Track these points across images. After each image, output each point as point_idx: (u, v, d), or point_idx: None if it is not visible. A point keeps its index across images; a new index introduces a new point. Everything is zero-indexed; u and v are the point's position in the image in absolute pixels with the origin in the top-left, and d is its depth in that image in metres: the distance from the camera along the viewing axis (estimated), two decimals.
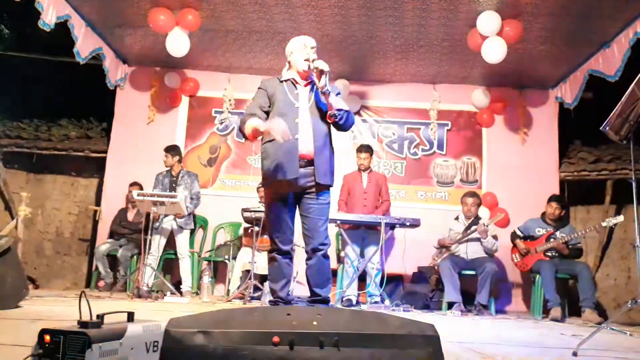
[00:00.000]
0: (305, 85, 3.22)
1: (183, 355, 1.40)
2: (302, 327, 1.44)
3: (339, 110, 3.04)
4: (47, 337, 1.52)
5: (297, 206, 3.19)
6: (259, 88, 3.28)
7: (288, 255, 3.18)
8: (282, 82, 3.22)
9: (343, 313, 1.61)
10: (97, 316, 1.62)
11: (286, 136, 2.88)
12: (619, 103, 2.66)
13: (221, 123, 6.75)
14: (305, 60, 3.11)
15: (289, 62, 3.26)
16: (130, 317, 1.77)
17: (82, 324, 1.58)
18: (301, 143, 3.05)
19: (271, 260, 3.21)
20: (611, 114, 2.69)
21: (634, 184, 2.84)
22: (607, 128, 2.72)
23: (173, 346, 1.42)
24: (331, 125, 3.18)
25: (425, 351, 1.45)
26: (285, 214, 3.14)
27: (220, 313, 1.56)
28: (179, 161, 5.69)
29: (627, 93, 2.63)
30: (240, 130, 3.17)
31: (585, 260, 5.88)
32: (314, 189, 3.10)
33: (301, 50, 3.16)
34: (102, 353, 1.52)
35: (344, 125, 3.11)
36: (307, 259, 3.17)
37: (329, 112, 3.07)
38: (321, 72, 2.98)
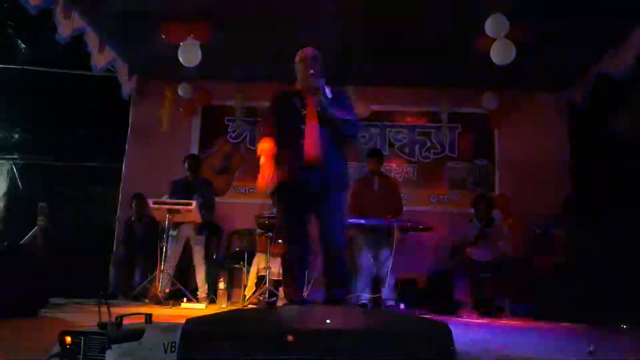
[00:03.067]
0: (311, 95, 3.23)
1: (200, 353, 1.44)
2: (316, 325, 1.48)
3: (343, 120, 3.13)
4: (68, 338, 1.57)
5: (311, 210, 3.22)
6: (271, 103, 3.39)
7: (300, 259, 3.18)
8: (290, 92, 3.30)
9: (356, 312, 1.64)
10: (116, 318, 1.67)
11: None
12: (629, 102, 2.66)
13: (234, 132, 6.83)
14: (301, 76, 3.22)
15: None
16: (148, 319, 1.82)
17: (102, 325, 1.63)
18: (307, 150, 3.08)
19: (284, 263, 3.25)
20: (619, 113, 2.69)
21: None
22: (618, 127, 2.72)
23: (190, 345, 1.46)
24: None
25: (437, 349, 1.48)
26: (297, 218, 3.17)
27: (236, 313, 1.60)
28: (199, 168, 5.76)
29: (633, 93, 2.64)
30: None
31: None
32: (324, 193, 3.14)
33: (298, 64, 3.28)
34: (121, 353, 1.56)
35: (346, 134, 3.21)
36: (323, 261, 3.18)
37: (335, 123, 3.14)
38: (313, 93, 3.09)
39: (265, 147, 3.08)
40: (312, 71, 3.14)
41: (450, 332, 1.49)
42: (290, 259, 3.19)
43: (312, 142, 3.09)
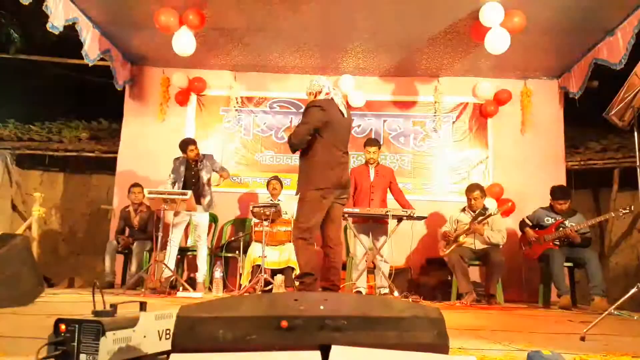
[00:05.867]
0: None
1: (194, 340, 1.45)
2: (309, 311, 1.49)
3: None
4: (63, 326, 1.57)
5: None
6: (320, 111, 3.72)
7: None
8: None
9: (349, 297, 1.65)
10: (111, 305, 1.68)
11: None
12: (621, 89, 2.67)
13: (228, 121, 6.81)
14: None
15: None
16: (143, 306, 1.83)
17: (96, 313, 1.64)
18: None
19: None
20: (613, 100, 2.71)
21: (638, 171, 2.85)
22: (611, 114, 2.74)
23: (184, 332, 1.47)
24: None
25: (430, 333, 1.49)
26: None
27: (230, 300, 1.61)
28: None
29: (629, 79, 2.65)
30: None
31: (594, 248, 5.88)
32: None
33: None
34: (115, 340, 1.57)
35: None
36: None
37: None
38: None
39: None
40: None
41: (442, 316, 1.51)
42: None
43: None
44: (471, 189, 5.51)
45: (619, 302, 2.67)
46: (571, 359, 1.89)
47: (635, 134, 2.81)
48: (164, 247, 5.32)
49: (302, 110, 3.88)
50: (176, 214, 5.29)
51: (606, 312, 2.67)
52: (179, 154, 5.66)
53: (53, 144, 7.24)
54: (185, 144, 5.63)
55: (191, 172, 5.60)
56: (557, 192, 5.34)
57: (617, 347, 2.26)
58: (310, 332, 1.45)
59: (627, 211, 4.67)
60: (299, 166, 3.81)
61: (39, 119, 7.67)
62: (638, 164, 2.86)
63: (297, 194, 3.75)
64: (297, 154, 3.86)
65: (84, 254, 7.32)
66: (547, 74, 6.61)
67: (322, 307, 1.50)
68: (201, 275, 5.53)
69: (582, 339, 2.51)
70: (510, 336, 2.67)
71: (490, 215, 5.24)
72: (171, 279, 5.29)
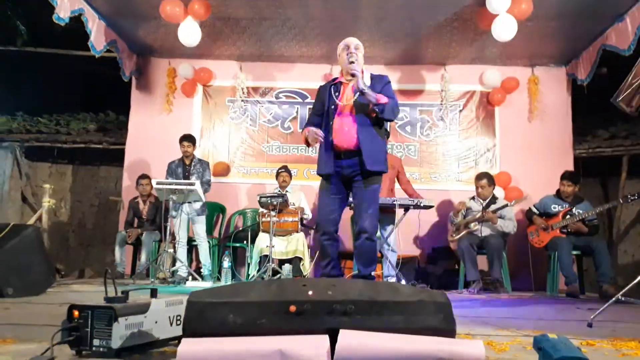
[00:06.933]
0: (351, 83, 3.39)
1: (205, 325, 1.47)
2: (317, 296, 1.51)
3: (377, 105, 3.22)
4: (76, 313, 1.61)
5: (348, 192, 3.43)
6: (317, 93, 3.59)
7: (330, 236, 3.34)
8: (332, 84, 3.49)
9: (357, 283, 1.67)
10: (122, 292, 1.71)
11: (315, 141, 3.29)
12: (629, 74, 2.65)
13: (235, 112, 6.83)
14: (347, 61, 3.32)
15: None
16: (154, 293, 1.86)
17: (109, 299, 1.67)
18: (341, 140, 3.30)
19: (317, 242, 3.45)
20: (621, 86, 2.69)
21: None
22: (618, 100, 2.72)
23: (195, 317, 1.49)
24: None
25: (437, 317, 1.51)
26: (328, 199, 3.37)
27: (239, 286, 1.63)
28: (194, 150, 5.83)
29: (637, 64, 2.63)
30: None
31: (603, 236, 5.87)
32: (361, 177, 3.31)
33: (341, 53, 3.42)
34: (127, 326, 1.61)
35: (385, 116, 3.28)
36: (354, 240, 3.42)
37: (369, 108, 3.27)
38: (352, 75, 3.25)
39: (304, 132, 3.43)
40: (353, 59, 3.29)
41: (448, 300, 1.52)
42: (320, 235, 3.39)
43: (351, 131, 3.28)
44: (479, 177, 5.54)
45: (626, 289, 2.67)
46: (578, 344, 1.90)
47: None
48: (172, 237, 5.38)
49: (308, 99, 3.90)
50: (176, 207, 5.38)
51: (613, 299, 2.68)
52: None
53: (61, 136, 7.29)
54: (181, 139, 5.74)
55: (185, 172, 5.68)
56: (565, 173, 5.38)
57: (624, 333, 2.27)
58: (319, 316, 1.48)
59: (636, 197, 4.65)
60: (374, 145, 3.32)
61: (46, 111, 7.72)
62: None
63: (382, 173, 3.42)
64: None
65: (94, 245, 7.39)
66: (555, 61, 6.55)
67: (330, 292, 1.52)
68: (206, 269, 5.60)
69: (590, 325, 2.53)
70: (517, 322, 2.69)
71: (506, 205, 5.27)
72: (179, 272, 5.36)
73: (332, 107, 3.36)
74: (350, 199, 3.47)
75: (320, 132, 3.25)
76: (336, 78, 3.55)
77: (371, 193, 3.31)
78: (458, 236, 5.35)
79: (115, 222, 6.69)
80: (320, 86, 3.61)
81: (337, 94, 3.40)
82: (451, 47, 6.20)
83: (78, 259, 7.22)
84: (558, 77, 6.61)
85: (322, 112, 3.44)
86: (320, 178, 3.47)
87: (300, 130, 3.61)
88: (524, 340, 1.99)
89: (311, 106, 3.56)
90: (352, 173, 3.31)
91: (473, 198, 5.59)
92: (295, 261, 5.46)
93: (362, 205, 3.28)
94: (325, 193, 3.38)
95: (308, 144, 3.43)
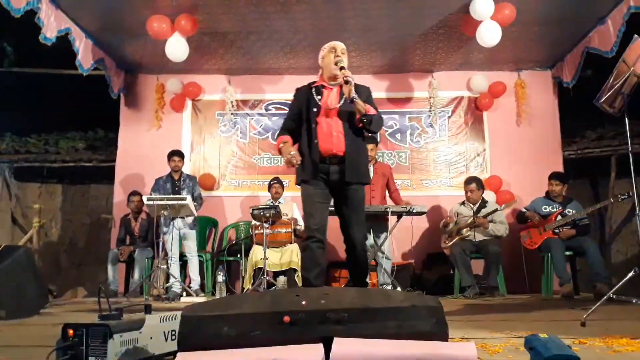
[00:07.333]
0: (336, 87, 3.30)
1: (199, 338, 1.48)
2: (311, 305, 1.51)
3: (365, 115, 3.13)
4: (71, 331, 1.60)
5: (333, 199, 3.29)
6: (293, 97, 3.44)
7: (322, 244, 3.17)
8: (312, 87, 3.34)
9: (349, 291, 1.68)
10: (117, 309, 1.71)
11: (290, 165, 3.11)
12: (610, 76, 2.70)
13: (224, 125, 6.84)
14: (335, 64, 3.23)
15: (321, 68, 3.40)
16: (148, 309, 1.86)
17: (103, 316, 1.67)
18: (327, 143, 3.17)
19: (304, 248, 3.20)
20: (603, 88, 2.74)
21: (630, 156, 2.89)
22: (601, 101, 2.77)
23: (190, 331, 1.50)
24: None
25: (429, 322, 1.52)
26: (318, 205, 3.20)
27: (233, 298, 1.64)
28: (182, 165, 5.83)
29: (617, 66, 2.68)
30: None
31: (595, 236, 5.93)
32: (348, 184, 3.19)
33: (330, 53, 3.30)
34: (123, 342, 1.60)
35: (372, 128, 3.21)
36: (345, 250, 3.26)
37: (357, 118, 3.17)
38: (346, 82, 3.10)
39: (281, 141, 3.24)
40: (344, 64, 3.19)
41: (440, 305, 1.53)
42: (310, 242, 3.17)
43: (336, 138, 3.17)
44: (467, 181, 5.62)
45: (617, 287, 2.70)
46: (570, 343, 1.92)
47: (627, 120, 2.84)
48: (165, 253, 5.37)
49: None
50: (167, 223, 5.38)
51: (605, 298, 2.70)
52: None
53: (50, 155, 7.26)
54: (171, 154, 5.76)
55: (174, 188, 5.68)
56: (553, 173, 5.48)
57: (617, 331, 2.28)
58: (312, 325, 1.48)
59: (626, 197, 4.71)
60: (359, 155, 3.29)
61: (35, 131, 7.69)
62: (630, 149, 2.90)
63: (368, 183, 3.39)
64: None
65: (86, 264, 7.33)
66: (541, 65, 6.64)
67: (323, 302, 1.53)
68: (195, 284, 5.55)
69: (583, 324, 2.55)
70: (512, 325, 2.70)
71: (496, 210, 5.32)
72: (173, 288, 5.34)
73: (315, 109, 3.23)
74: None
75: (299, 158, 3.12)
76: (315, 82, 3.39)
77: (361, 202, 3.24)
78: (450, 243, 5.38)
79: (107, 240, 6.65)
80: (298, 89, 3.45)
81: (319, 97, 3.27)
82: (438, 54, 6.28)
83: (70, 278, 7.16)
84: (544, 81, 6.69)
85: (298, 117, 3.31)
86: (303, 183, 3.28)
87: (276, 136, 3.43)
88: (517, 342, 2.00)
89: None
90: (339, 179, 3.19)
91: (463, 203, 5.63)
92: (290, 273, 5.44)
93: (352, 214, 3.20)
94: (314, 199, 3.20)
95: (281, 152, 3.25)
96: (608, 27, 5.16)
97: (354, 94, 3.07)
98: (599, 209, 6.26)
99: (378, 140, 6.32)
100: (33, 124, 7.66)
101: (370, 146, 5.50)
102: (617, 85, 2.66)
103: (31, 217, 6.51)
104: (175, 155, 5.75)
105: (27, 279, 3.79)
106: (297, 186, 3.36)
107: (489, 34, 5.09)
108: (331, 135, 3.18)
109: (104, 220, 7.02)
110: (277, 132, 3.38)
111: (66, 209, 7.51)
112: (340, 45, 3.31)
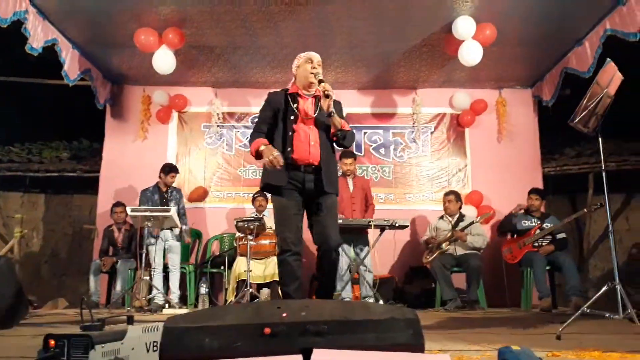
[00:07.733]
0: (311, 97, 3.29)
1: (181, 349, 1.50)
2: (291, 318, 1.55)
3: (340, 130, 3.15)
4: (52, 342, 1.61)
5: (305, 209, 3.24)
6: (265, 101, 3.35)
7: (299, 256, 3.13)
8: (287, 94, 3.29)
9: (329, 303, 1.72)
10: (98, 320, 1.73)
11: (272, 168, 3.00)
12: (584, 97, 2.81)
13: (210, 137, 6.87)
14: (311, 74, 3.21)
15: (295, 76, 3.37)
16: (130, 320, 1.88)
17: (85, 327, 1.68)
18: (303, 152, 3.14)
19: (281, 263, 3.16)
20: (577, 108, 2.84)
21: (604, 175, 3.00)
22: (575, 121, 2.87)
23: (171, 342, 1.52)
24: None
25: (407, 333, 1.56)
26: (294, 217, 3.15)
27: (215, 309, 1.67)
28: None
29: (590, 87, 2.79)
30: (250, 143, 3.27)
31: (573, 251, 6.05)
32: (323, 194, 3.17)
33: (306, 63, 3.26)
34: (104, 353, 1.62)
35: (345, 143, 3.23)
36: (319, 255, 3.19)
37: (332, 132, 3.20)
38: (326, 96, 3.05)
39: (261, 143, 3.13)
40: (321, 77, 3.17)
41: (417, 317, 1.58)
42: (288, 256, 3.10)
43: (313, 147, 3.16)
44: (447, 193, 5.82)
45: (591, 300, 2.78)
46: (544, 356, 1.97)
47: (600, 140, 2.95)
48: (148, 265, 5.34)
49: None
50: (153, 234, 5.39)
51: (579, 312, 2.78)
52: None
53: (33, 164, 7.21)
54: (170, 169, 5.76)
55: (162, 199, 5.68)
56: (533, 189, 5.66)
57: (591, 345, 2.35)
58: (293, 337, 1.52)
59: (598, 206, 4.94)
60: (331, 166, 3.28)
61: (18, 140, 7.63)
62: (604, 167, 3.00)
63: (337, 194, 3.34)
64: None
65: (67, 275, 7.26)
66: (521, 84, 6.81)
67: (303, 314, 1.57)
68: (175, 297, 5.52)
69: (558, 337, 2.61)
70: (489, 337, 2.75)
71: (472, 223, 5.42)
72: (155, 299, 5.32)
73: (292, 117, 3.18)
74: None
75: (282, 162, 3.00)
76: (288, 89, 3.33)
77: (336, 207, 3.23)
78: (431, 258, 5.46)
79: (89, 250, 6.60)
80: (271, 93, 3.37)
81: (295, 105, 3.22)
82: (421, 71, 6.40)
83: (51, 289, 7.07)
84: (524, 99, 6.85)
85: (272, 121, 3.24)
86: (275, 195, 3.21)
87: (249, 140, 3.30)
88: (493, 354, 2.05)
89: None
90: (314, 188, 3.15)
91: (442, 217, 5.74)
92: (274, 285, 5.45)
93: (328, 218, 3.14)
94: (289, 211, 3.13)
95: (258, 157, 3.15)
96: (585, 49, 5.32)
97: (332, 109, 3.08)
98: (577, 223, 6.42)
99: (362, 153, 6.41)
100: (16, 133, 7.60)
101: (349, 160, 5.60)
102: (591, 106, 2.77)
103: (12, 227, 6.43)
104: (174, 171, 5.77)
105: (7, 289, 3.74)
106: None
107: (470, 54, 5.22)
108: (308, 144, 3.15)
109: (87, 230, 6.96)
110: (249, 136, 3.28)
111: (48, 219, 7.45)
112: (316, 57, 3.26)
